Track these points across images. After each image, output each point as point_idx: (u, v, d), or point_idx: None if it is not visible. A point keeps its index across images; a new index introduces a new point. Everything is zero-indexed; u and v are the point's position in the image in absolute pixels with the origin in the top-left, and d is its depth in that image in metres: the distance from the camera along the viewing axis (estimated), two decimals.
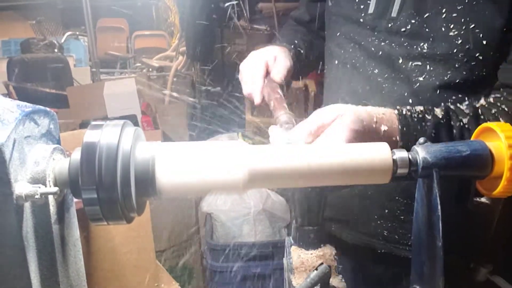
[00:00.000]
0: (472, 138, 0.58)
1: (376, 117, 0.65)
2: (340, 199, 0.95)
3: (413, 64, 0.82)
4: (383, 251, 0.92)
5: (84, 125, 2.22)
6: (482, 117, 0.70)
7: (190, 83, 4.02)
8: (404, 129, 0.67)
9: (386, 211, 0.89)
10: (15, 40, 4.36)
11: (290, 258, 0.67)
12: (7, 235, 0.43)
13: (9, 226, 0.42)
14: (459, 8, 0.76)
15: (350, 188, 0.91)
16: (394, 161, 0.51)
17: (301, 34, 1.07)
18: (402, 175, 0.52)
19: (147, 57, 4.19)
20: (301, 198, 0.66)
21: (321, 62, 1.06)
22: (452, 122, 0.69)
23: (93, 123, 0.48)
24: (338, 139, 0.61)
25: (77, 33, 4.36)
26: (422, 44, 0.80)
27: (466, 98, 0.78)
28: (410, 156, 0.52)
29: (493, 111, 0.71)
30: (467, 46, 0.77)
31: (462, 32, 0.77)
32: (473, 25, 0.76)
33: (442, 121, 0.69)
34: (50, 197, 0.47)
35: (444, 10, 0.78)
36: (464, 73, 0.78)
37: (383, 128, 0.65)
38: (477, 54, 0.77)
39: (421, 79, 0.81)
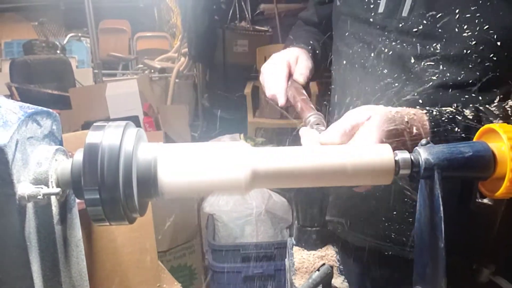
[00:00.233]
0: (474, 139, 0.58)
1: (407, 117, 0.65)
2: (346, 201, 0.94)
3: (425, 64, 0.81)
4: (390, 253, 0.91)
5: (86, 126, 2.22)
6: None
7: (192, 84, 4.03)
8: (435, 130, 0.66)
9: (394, 213, 0.89)
10: (17, 42, 4.37)
11: (292, 259, 0.67)
12: (10, 235, 0.43)
13: (12, 227, 0.42)
14: (472, 8, 0.76)
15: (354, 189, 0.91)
16: (396, 162, 0.51)
17: (314, 34, 1.07)
18: (404, 176, 0.52)
19: (149, 59, 4.20)
20: (303, 199, 0.66)
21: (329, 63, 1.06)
22: (482, 123, 0.68)
23: (96, 124, 0.48)
24: (371, 140, 0.61)
25: (80, 34, 4.37)
26: (434, 44, 0.79)
27: (481, 98, 0.78)
28: (412, 157, 0.52)
29: None
30: (481, 47, 0.76)
31: (476, 33, 0.76)
32: (487, 26, 0.75)
33: (472, 122, 0.68)
34: (53, 198, 0.47)
35: (457, 11, 0.77)
36: (478, 73, 0.78)
37: (414, 128, 0.65)
38: (491, 55, 0.76)
39: (434, 78, 0.80)
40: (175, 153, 0.49)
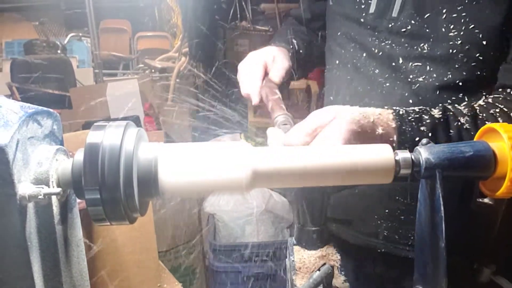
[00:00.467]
0: (475, 139, 0.58)
1: (372, 117, 0.65)
2: (340, 199, 0.95)
3: (413, 65, 0.81)
4: (383, 250, 0.92)
5: (87, 126, 2.22)
6: (480, 116, 0.69)
7: (192, 84, 4.03)
8: (401, 129, 0.66)
9: (387, 211, 0.89)
10: (18, 42, 4.36)
11: (293, 259, 0.67)
12: (11, 235, 0.43)
13: (13, 227, 0.42)
14: (458, 8, 0.76)
15: (351, 188, 0.91)
16: (397, 161, 0.51)
17: (300, 33, 1.07)
18: (405, 175, 0.52)
19: (149, 58, 4.20)
20: (303, 199, 0.66)
21: (322, 62, 1.06)
22: (449, 122, 0.69)
23: (96, 124, 0.48)
24: (335, 140, 0.61)
25: (80, 34, 4.37)
26: (422, 44, 0.80)
27: (466, 99, 0.78)
28: (413, 157, 0.52)
29: (491, 111, 0.70)
30: (466, 47, 0.76)
31: (461, 33, 0.76)
32: (472, 25, 0.75)
33: (439, 121, 0.68)
34: (53, 198, 0.47)
35: (444, 10, 0.77)
36: (464, 73, 0.78)
37: (380, 128, 0.65)
38: (477, 54, 0.77)
39: (420, 79, 0.81)
40: (176, 153, 0.49)
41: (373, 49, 0.86)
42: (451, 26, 0.77)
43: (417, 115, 0.68)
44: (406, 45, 0.82)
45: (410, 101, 0.82)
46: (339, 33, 0.94)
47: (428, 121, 0.68)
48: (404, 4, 0.81)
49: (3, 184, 0.41)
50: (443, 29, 0.78)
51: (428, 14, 0.79)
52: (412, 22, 0.81)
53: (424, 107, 0.71)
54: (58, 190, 0.45)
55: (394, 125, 0.66)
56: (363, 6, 0.87)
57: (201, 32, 3.58)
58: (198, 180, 0.48)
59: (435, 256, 0.52)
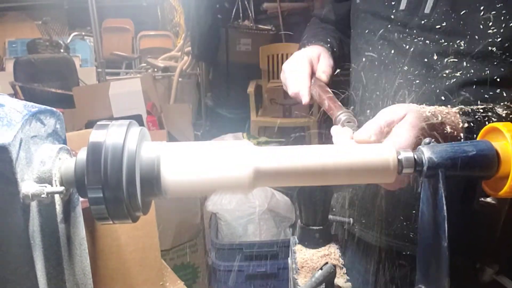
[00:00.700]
0: (478, 138, 0.58)
1: (440, 116, 0.65)
2: (363, 200, 0.94)
3: (448, 61, 0.80)
4: (408, 253, 0.91)
5: (90, 125, 2.23)
6: None
7: (195, 83, 4.03)
8: (468, 128, 0.66)
9: (414, 212, 0.88)
10: (21, 41, 4.38)
11: (295, 258, 0.67)
12: (14, 234, 0.43)
13: (16, 225, 0.43)
14: (498, 5, 0.75)
15: (373, 188, 0.90)
16: (400, 161, 0.51)
17: (331, 32, 1.06)
18: (408, 175, 0.52)
19: (152, 57, 4.20)
20: (306, 198, 0.66)
21: (347, 61, 1.05)
22: None
23: (99, 123, 0.48)
24: (407, 137, 0.60)
25: (83, 33, 4.38)
26: (458, 41, 0.78)
27: (505, 94, 0.77)
28: (415, 156, 0.52)
29: None
30: (506, 44, 0.75)
31: (501, 30, 0.75)
32: None
33: (505, 119, 0.67)
34: (56, 197, 0.47)
35: (482, 8, 0.76)
36: (502, 69, 0.77)
37: (448, 127, 0.64)
38: None
39: (457, 75, 0.79)
40: (178, 152, 0.49)
41: (404, 45, 0.84)
42: (490, 24, 0.75)
43: (484, 113, 0.67)
44: (441, 41, 0.80)
45: (442, 98, 0.80)
46: (366, 31, 0.92)
47: (494, 119, 0.67)
48: (437, 1, 0.80)
49: (6, 183, 0.41)
50: (481, 26, 0.76)
51: (464, 11, 0.78)
52: (447, 19, 0.79)
53: (488, 106, 0.70)
54: (61, 189, 0.45)
55: (461, 124, 0.66)
56: (393, 3, 0.86)
57: (203, 31, 3.59)
58: (201, 179, 0.48)
59: (437, 255, 0.52)
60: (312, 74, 0.90)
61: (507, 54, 0.76)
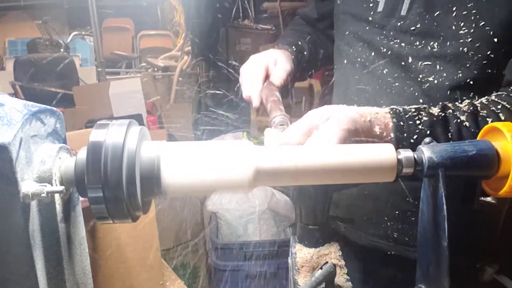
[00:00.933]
0: (478, 138, 0.58)
1: (369, 116, 0.64)
2: (349, 200, 0.94)
3: (423, 64, 0.81)
4: (392, 253, 0.91)
5: (90, 124, 2.23)
6: (481, 113, 0.68)
7: (195, 83, 4.03)
8: (398, 127, 0.65)
9: (397, 212, 0.88)
10: (21, 40, 4.39)
11: (295, 257, 0.67)
12: (14, 233, 0.43)
13: (16, 225, 0.43)
14: (469, 5, 0.75)
15: (358, 188, 0.91)
16: (399, 160, 0.51)
17: (306, 34, 1.06)
18: (408, 174, 0.52)
19: (152, 57, 4.20)
20: (306, 197, 0.66)
21: (328, 62, 1.05)
22: (448, 120, 0.67)
23: (99, 122, 0.48)
24: (330, 139, 0.60)
25: (83, 33, 4.38)
26: (432, 43, 0.79)
27: (478, 98, 0.77)
28: (415, 156, 0.52)
29: (493, 108, 0.69)
30: (477, 44, 0.75)
31: (472, 30, 0.75)
32: (483, 23, 0.74)
33: (437, 119, 0.67)
34: (56, 196, 0.47)
35: (454, 8, 0.76)
36: (475, 72, 0.77)
37: (377, 127, 0.64)
38: (488, 52, 0.75)
39: (431, 79, 0.80)
40: (178, 152, 0.49)
41: (382, 48, 0.85)
42: (461, 24, 0.76)
43: (415, 113, 0.67)
44: (416, 44, 0.81)
45: (421, 100, 0.81)
46: (347, 33, 0.93)
47: (426, 118, 0.66)
48: (412, 3, 0.81)
49: (6, 182, 0.41)
50: (453, 27, 0.77)
51: (438, 12, 0.78)
52: (422, 20, 0.80)
53: (423, 106, 0.70)
54: (61, 188, 0.45)
55: (391, 124, 0.65)
56: (371, 5, 0.87)
57: (203, 30, 3.58)
58: (201, 179, 0.48)
59: (437, 255, 0.52)
60: (267, 78, 0.91)
61: (479, 55, 0.76)
